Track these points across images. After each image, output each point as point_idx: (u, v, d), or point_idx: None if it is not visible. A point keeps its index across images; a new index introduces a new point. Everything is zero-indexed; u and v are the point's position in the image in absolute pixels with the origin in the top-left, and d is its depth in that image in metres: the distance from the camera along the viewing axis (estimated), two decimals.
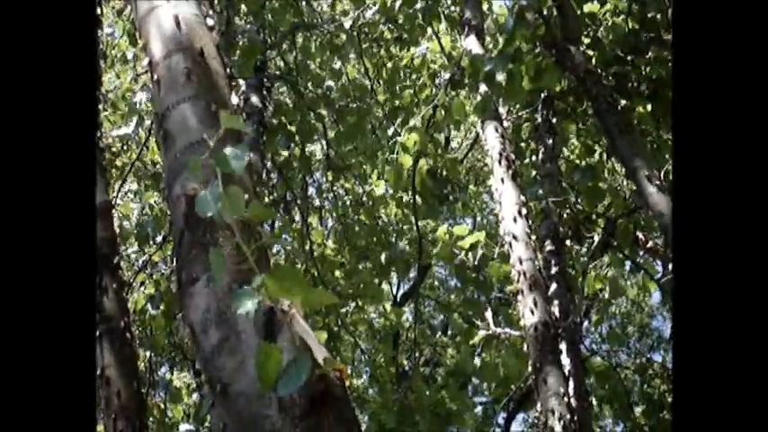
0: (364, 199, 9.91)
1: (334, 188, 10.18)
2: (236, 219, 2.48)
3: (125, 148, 7.98)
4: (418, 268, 9.43)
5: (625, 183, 8.27)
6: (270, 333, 2.65)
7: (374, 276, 9.98)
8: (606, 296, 8.87)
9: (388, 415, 8.75)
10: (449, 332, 11.38)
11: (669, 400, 6.81)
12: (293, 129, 8.74)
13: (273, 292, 2.30)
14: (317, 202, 10.26)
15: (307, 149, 9.43)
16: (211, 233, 2.82)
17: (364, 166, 9.90)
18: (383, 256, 9.67)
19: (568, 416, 5.03)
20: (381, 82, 10.17)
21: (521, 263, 5.92)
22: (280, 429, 2.45)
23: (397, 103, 9.66)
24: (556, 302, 5.76)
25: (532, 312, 5.57)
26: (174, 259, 3.20)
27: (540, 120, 7.01)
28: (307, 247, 9.21)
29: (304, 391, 2.46)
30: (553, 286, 5.89)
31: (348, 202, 10.18)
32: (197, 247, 2.84)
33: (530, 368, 5.52)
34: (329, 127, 9.75)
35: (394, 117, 9.25)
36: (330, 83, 9.92)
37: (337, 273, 9.79)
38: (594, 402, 9.00)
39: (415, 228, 9.46)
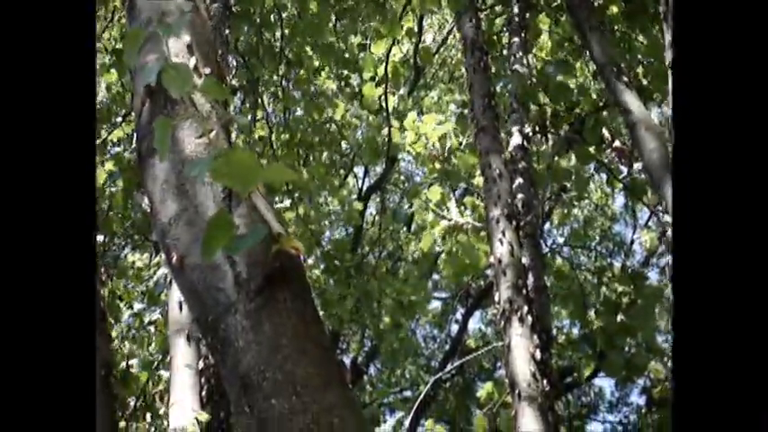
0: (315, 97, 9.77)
1: (284, 82, 10.01)
2: (188, 93, 2.44)
3: None
4: (385, 160, 9.39)
5: (593, 84, 8.25)
6: (228, 207, 2.63)
7: (328, 169, 9.93)
8: (570, 195, 8.90)
9: (342, 306, 8.79)
10: (413, 227, 11.42)
11: (624, 301, 6.86)
12: (256, 17, 8.59)
13: (230, 170, 2.25)
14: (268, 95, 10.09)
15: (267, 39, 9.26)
16: (172, 106, 2.78)
17: (317, 63, 9.75)
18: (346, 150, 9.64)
19: (526, 307, 5.06)
20: None
21: (487, 154, 5.92)
22: (234, 303, 2.44)
23: None
24: (520, 196, 5.76)
25: (496, 204, 5.58)
26: (135, 131, 3.16)
27: (514, 13, 6.93)
28: (264, 133, 9.13)
29: (260, 267, 2.45)
30: (518, 180, 5.89)
31: (297, 97, 10.02)
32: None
33: (490, 259, 5.54)
34: (289, 19, 9.59)
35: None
36: None
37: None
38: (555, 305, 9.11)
39: (385, 115, 9.39)
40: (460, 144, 7.38)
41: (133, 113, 2.98)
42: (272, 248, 2.41)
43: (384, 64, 9.30)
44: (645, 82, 7.06)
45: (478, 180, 6.63)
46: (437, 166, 7.90)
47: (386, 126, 9.50)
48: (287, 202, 8.50)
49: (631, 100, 4.43)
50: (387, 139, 9.40)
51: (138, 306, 6.79)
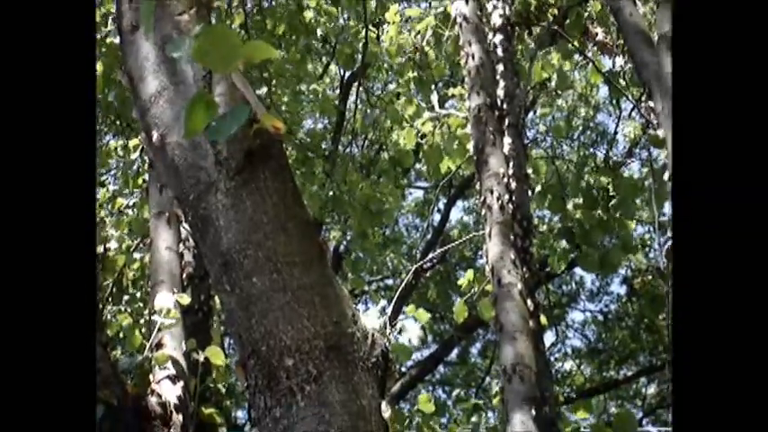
0: None
1: None
2: None
3: None
4: (364, 46, 9.25)
5: None
6: (208, 85, 2.61)
7: (305, 57, 9.79)
8: (553, 87, 8.87)
9: (313, 199, 8.75)
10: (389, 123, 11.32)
11: (606, 194, 6.89)
12: None
13: (211, 48, 2.21)
14: None
15: None
16: None
17: None
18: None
19: (507, 196, 5.08)
20: None
21: (470, 45, 5.86)
22: (215, 182, 2.43)
23: None
24: (502, 84, 5.73)
25: (478, 94, 5.55)
26: (116, 9, 3.11)
27: None
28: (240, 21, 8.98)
29: (240, 145, 2.44)
30: (500, 69, 5.85)
31: None
32: None
33: (472, 149, 5.53)
34: None
35: None
36: None
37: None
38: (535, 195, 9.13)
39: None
40: (444, 37, 7.31)
41: None
42: (253, 127, 2.40)
43: None
44: None
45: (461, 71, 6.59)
46: (416, 59, 7.85)
47: (363, 29, 9.30)
48: (263, 90, 8.40)
49: None
50: (363, 43, 9.20)
51: (113, 188, 6.76)
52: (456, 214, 14.30)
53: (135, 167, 5.86)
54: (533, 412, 4.34)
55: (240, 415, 12.63)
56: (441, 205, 13.04)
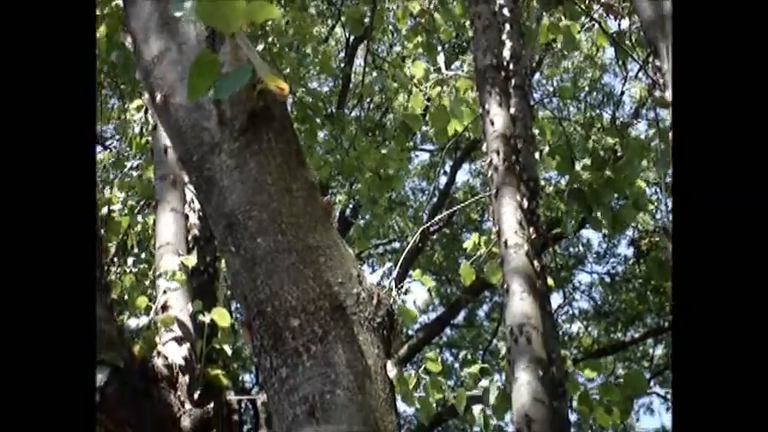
0: None
1: None
2: None
3: None
4: (372, 9, 9.19)
5: None
6: (211, 46, 2.59)
7: (308, 17, 9.73)
8: (559, 48, 8.82)
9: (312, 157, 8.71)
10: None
11: (614, 154, 6.86)
12: None
13: (214, 8, 2.20)
14: None
15: None
16: None
17: None
18: None
19: (513, 157, 5.05)
20: None
21: (477, 4, 5.81)
22: (219, 143, 2.43)
23: None
24: (508, 45, 5.68)
25: (484, 55, 5.51)
26: None
27: None
28: None
29: (244, 106, 2.43)
30: (506, 29, 5.80)
31: None
32: None
33: (478, 110, 5.50)
34: None
35: None
36: None
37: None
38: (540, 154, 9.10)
39: None
40: None
41: None
42: (256, 87, 2.39)
43: None
44: None
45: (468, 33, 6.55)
46: (424, 22, 7.79)
47: None
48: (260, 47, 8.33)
49: None
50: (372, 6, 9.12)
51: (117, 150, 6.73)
52: (462, 177, 14.27)
53: (138, 129, 5.83)
54: (540, 373, 4.34)
55: (248, 378, 12.72)
56: (447, 168, 13.01)
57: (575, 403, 5.19)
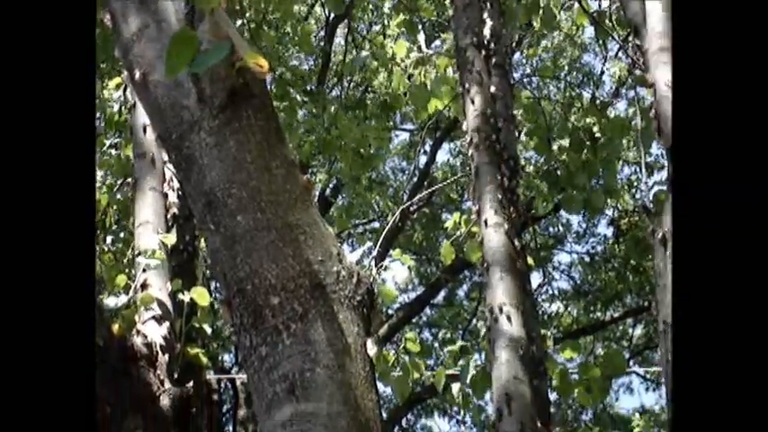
0: None
1: None
2: None
3: None
4: None
5: None
6: (190, 23, 2.58)
7: None
8: (539, 26, 8.80)
9: (293, 134, 8.66)
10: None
11: (592, 136, 6.87)
12: None
13: None
14: None
15: None
16: None
17: None
18: None
19: (494, 136, 5.05)
20: None
21: None
22: (198, 120, 2.41)
23: None
24: (489, 24, 5.67)
25: (465, 33, 5.50)
26: None
27: None
28: None
29: (223, 84, 2.41)
30: (487, 7, 5.78)
31: None
32: None
33: (459, 89, 5.50)
34: None
35: None
36: None
37: None
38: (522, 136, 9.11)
39: None
40: None
41: None
42: (235, 65, 2.38)
43: None
44: None
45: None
46: (405, 1, 7.77)
47: None
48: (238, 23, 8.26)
49: None
50: None
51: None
52: (442, 157, 14.25)
53: (117, 107, 5.80)
54: (520, 352, 4.36)
55: (227, 358, 12.71)
56: (427, 148, 13.00)
57: (554, 382, 5.22)
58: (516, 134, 5.80)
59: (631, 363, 13.39)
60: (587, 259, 14.27)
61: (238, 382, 10.42)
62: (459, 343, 6.02)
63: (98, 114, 6.74)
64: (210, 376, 4.41)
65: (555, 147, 7.24)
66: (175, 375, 3.81)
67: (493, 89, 5.36)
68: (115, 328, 3.66)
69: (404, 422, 14.56)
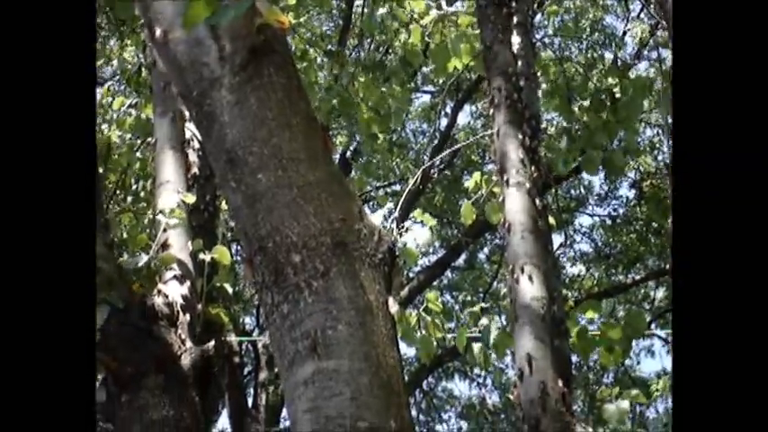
0: None
1: None
2: None
3: None
4: None
5: None
6: None
7: None
8: None
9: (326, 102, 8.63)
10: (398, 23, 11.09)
11: (613, 97, 6.80)
12: None
13: None
14: None
15: None
16: None
17: None
18: None
19: (515, 95, 5.01)
20: None
21: None
22: (219, 78, 2.40)
23: None
24: None
25: None
26: None
27: None
28: None
29: (244, 41, 2.40)
30: None
31: None
32: None
33: (480, 47, 5.46)
34: None
35: None
36: None
37: None
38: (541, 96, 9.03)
39: None
40: None
41: None
42: (256, 22, 2.36)
43: None
44: None
45: None
46: None
47: None
48: None
49: None
50: None
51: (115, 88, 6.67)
52: (463, 119, 14.17)
53: (137, 67, 5.79)
54: (542, 311, 4.35)
55: (248, 321, 12.75)
56: (448, 110, 12.93)
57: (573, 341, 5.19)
58: (538, 94, 5.74)
59: (653, 325, 13.35)
60: (609, 222, 14.21)
61: (260, 345, 10.46)
62: (480, 305, 5.99)
63: (119, 75, 6.74)
64: (232, 338, 4.41)
65: (575, 108, 7.19)
66: (196, 335, 3.82)
67: (515, 47, 5.32)
68: (136, 287, 3.66)
69: (425, 385, 14.59)
